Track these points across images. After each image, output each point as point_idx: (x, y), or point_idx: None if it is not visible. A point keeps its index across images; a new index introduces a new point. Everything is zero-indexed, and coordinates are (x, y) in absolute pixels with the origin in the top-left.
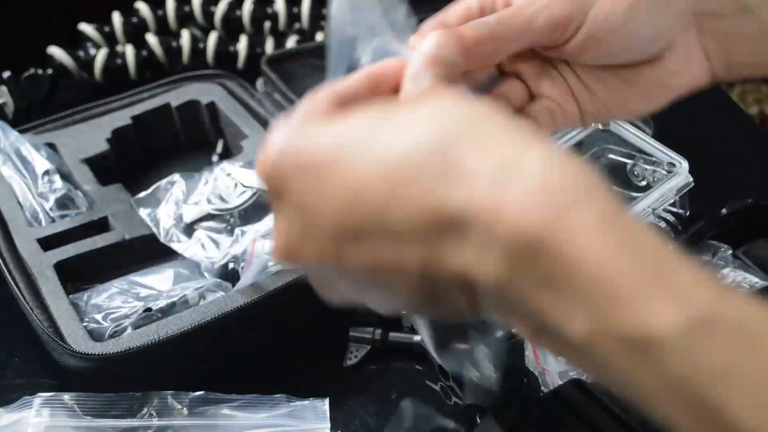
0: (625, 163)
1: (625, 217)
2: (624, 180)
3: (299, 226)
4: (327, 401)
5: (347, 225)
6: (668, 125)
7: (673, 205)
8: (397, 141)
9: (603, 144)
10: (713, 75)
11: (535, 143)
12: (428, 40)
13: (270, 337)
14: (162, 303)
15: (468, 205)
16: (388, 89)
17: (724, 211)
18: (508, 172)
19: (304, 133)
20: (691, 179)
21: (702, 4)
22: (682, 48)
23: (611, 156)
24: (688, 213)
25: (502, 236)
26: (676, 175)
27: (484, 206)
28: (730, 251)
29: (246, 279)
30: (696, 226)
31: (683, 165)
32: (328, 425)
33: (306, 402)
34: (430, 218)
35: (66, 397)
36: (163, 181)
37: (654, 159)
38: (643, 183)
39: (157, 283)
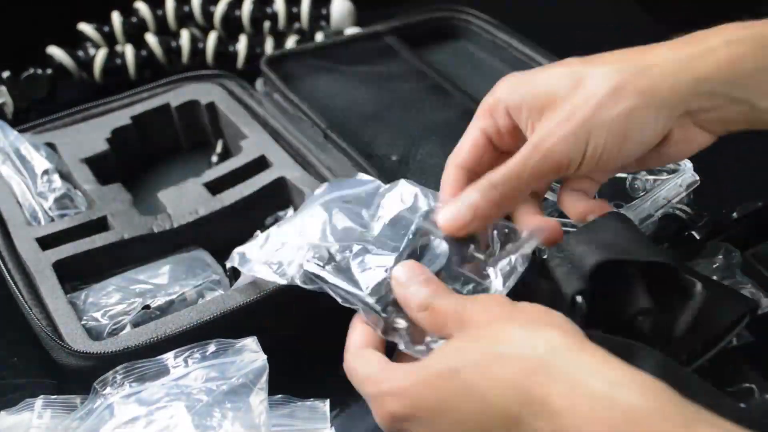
0: (624, 178)
1: (692, 429)
2: (624, 193)
3: None
4: (327, 402)
5: None
6: None
7: (681, 202)
8: (482, 393)
9: None
10: (716, 137)
11: (601, 366)
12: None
13: (269, 336)
14: (161, 301)
15: None
16: None
17: (734, 214)
18: (581, 402)
19: (404, 387)
20: (696, 177)
21: (692, 104)
22: (680, 134)
23: None
24: (704, 213)
25: None
26: (682, 173)
27: None
28: (739, 255)
29: (245, 277)
30: (705, 228)
31: (687, 164)
32: (329, 426)
33: (306, 402)
34: None
35: (68, 398)
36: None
37: (654, 168)
38: (644, 194)
39: (155, 279)
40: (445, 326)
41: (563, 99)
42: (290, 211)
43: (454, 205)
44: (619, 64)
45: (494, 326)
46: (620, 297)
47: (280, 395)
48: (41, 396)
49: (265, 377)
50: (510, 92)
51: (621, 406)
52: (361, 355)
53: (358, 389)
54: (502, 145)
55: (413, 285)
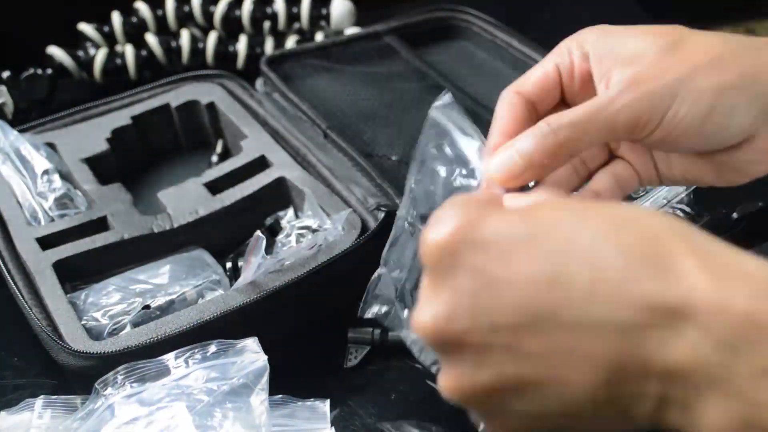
0: None
1: None
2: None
3: (472, 298)
4: (327, 402)
5: (536, 307)
6: None
7: (681, 202)
8: (602, 238)
9: None
10: None
11: (739, 251)
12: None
13: (269, 337)
14: (161, 300)
15: (689, 300)
16: None
17: (735, 215)
18: (727, 272)
19: (487, 215)
20: None
21: None
22: (763, 141)
23: None
24: (706, 214)
25: (728, 325)
26: None
27: (709, 299)
28: None
29: (245, 277)
30: (705, 229)
31: None
32: (329, 426)
33: (306, 403)
34: (640, 311)
35: (68, 398)
36: None
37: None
38: (644, 194)
39: (155, 279)
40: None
41: (656, 57)
42: (290, 211)
43: (505, 151)
44: (726, 38)
45: (606, 206)
46: None
47: (280, 395)
48: (41, 396)
49: (265, 378)
50: (597, 38)
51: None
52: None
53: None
54: (569, 91)
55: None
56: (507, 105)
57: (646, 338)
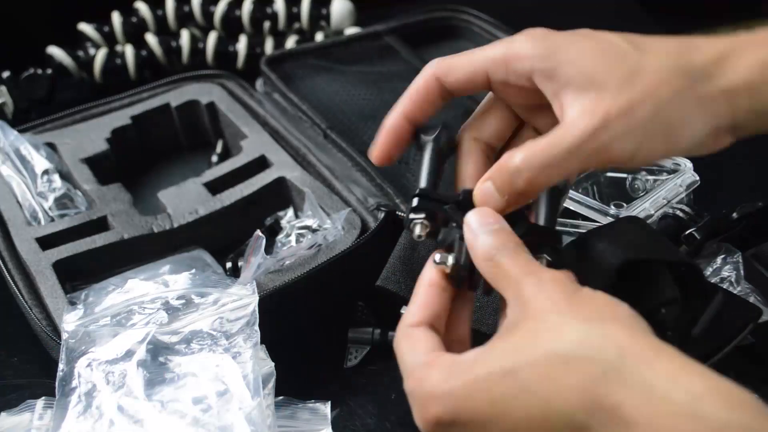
0: (624, 178)
1: None
2: (624, 194)
3: None
4: (329, 404)
5: None
6: None
7: (681, 202)
8: (543, 397)
9: None
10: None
11: (679, 373)
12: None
13: (268, 337)
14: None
15: None
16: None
17: (735, 215)
18: (660, 413)
19: (450, 388)
20: (696, 178)
21: (740, 120)
22: (711, 140)
23: (609, 174)
24: (705, 214)
25: None
26: (682, 173)
27: None
28: (739, 255)
29: (245, 277)
30: (705, 228)
31: (687, 165)
32: (330, 428)
33: (307, 404)
34: None
35: None
36: None
37: (654, 168)
38: (643, 194)
39: (154, 282)
40: (505, 291)
41: (617, 88)
42: (290, 211)
43: (486, 186)
44: (676, 60)
45: (555, 320)
46: (645, 290)
47: (281, 397)
48: (43, 397)
49: (272, 383)
50: (539, 56)
51: (707, 421)
52: (409, 336)
53: (404, 380)
54: (500, 92)
55: (482, 234)
56: (422, 85)
57: None
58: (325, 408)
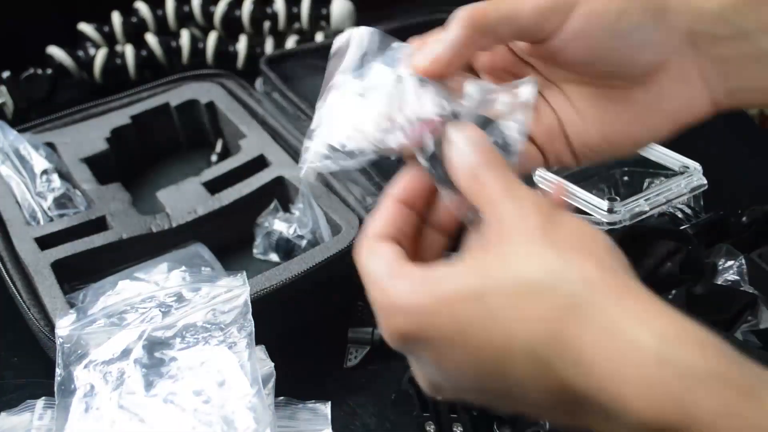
0: (642, 179)
1: (757, 398)
2: (617, 189)
3: (437, 377)
4: (329, 404)
5: (481, 389)
6: None
7: (681, 201)
8: (506, 325)
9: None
10: (715, 103)
11: (648, 314)
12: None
13: (268, 337)
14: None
15: (591, 391)
16: (421, 203)
17: (744, 219)
18: (623, 355)
19: (417, 302)
20: (704, 181)
21: (697, 24)
22: (678, 70)
23: (625, 174)
24: (702, 214)
25: (630, 423)
26: (689, 175)
27: (608, 394)
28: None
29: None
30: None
31: (697, 168)
32: (330, 428)
33: (308, 404)
34: (557, 397)
35: None
36: None
37: (670, 172)
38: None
39: (152, 277)
40: (483, 207)
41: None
42: (279, 215)
43: (426, 46)
44: None
45: (526, 244)
46: (647, 252)
47: (281, 397)
48: (43, 397)
49: (271, 383)
50: None
51: (673, 365)
52: (374, 249)
53: (367, 290)
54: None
55: (466, 148)
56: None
57: (572, 413)
58: (325, 408)
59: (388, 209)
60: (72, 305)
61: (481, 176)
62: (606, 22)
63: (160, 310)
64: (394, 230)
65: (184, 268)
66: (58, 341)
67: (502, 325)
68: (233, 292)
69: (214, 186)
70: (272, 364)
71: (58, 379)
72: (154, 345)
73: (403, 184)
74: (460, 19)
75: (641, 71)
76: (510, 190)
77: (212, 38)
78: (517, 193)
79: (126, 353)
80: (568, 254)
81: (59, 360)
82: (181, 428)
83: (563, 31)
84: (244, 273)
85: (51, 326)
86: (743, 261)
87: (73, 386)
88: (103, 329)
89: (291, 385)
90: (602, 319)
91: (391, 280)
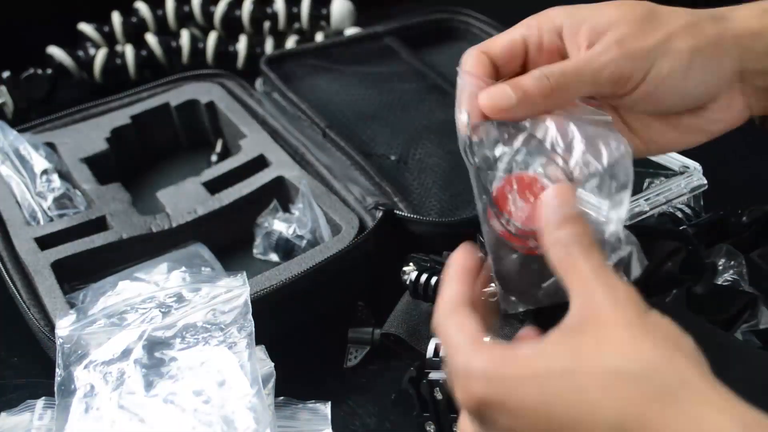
0: (642, 179)
1: None
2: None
3: None
4: (329, 404)
5: None
6: None
7: (685, 204)
8: (594, 402)
9: None
10: (751, 115)
11: (730, 404)
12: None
13: (268, 337)
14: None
15: None
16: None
17: (744, 219)
18: None
19: (503, 373)
20: (704, 181)
21: (747, 63)
22: (726, 99)
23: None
24: (703, 214)
25: None
26: (689, 175)
27: None
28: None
29: None
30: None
31: (697, 168)
32: (330, 428)
33: (308, 404)
34: None
35: None
36: None
37: (670, 172)
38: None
39: (152, 277)
40: (572, 285)
41: (635, 25)
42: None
43: (499, 86)
44: (691, 10)
45: (625, 336)
46: (648, 251)
47: (281, 397)
48: (43, 397)
49: (271, 383)
50: (569, 14)
51: None
52: (455, 314)
53: (445, 354)
54: (534, 64)
55: (561, 215)
56: (475, 60)
57: None
58: (325, 408)
59: (462, 276)
60: (72, 305)
61: (572, 250)
62: (673, 84)
63: (160, 311)
64: (470, 297)
65: (184, 268)
66: (58, 341)
67: (589, 400)
68: (233, 292)
69: (214, 186)
70: (272, 364)
71: (58, 379)
72: (154, 345)
73: (465, 255)
74: (539, 74)
75: (696, 105)
76: (603, 274)
77: (212, 38)
78: (611, 280)
79: (126, 353)
80: (664, 351)
81: (59, 360)
82: (181, 428)
83: (634, 95)
84: (244, 273)
85: (51, 326)
86: (743, 261)
87: (73, 386)
88: (103, 329)
89: (291, 385)
90: (690, 410)
91: (477, 351)
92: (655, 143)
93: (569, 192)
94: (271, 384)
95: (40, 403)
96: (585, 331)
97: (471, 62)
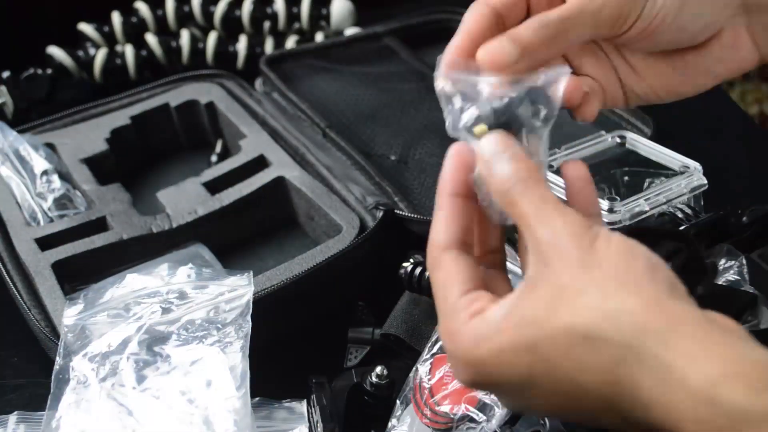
0: (642, 179)
1: None
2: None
3: (514, 407)
4: (304, 402)
5: (557, 414)
6: (667, 125)
7: (685, 203)
8: (570, 375)
9: (615, 157)
10: (762, 58)
11: (700, 353)
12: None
13: (269, 338)
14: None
15: (654, 424)
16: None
17: (745, 219)
18: (677, 397)
19: (479, 356)
20: (704, 181)
21: None
22: (730, 37)
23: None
24: (703, 214)
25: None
26: (689, 175)
27: (669, 428)
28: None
29: None
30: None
31: (697, 168)
32: (306, 425)
33: (284, 403)
34: (628, 422)
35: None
36: None
37: (670, 172)
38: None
39: (152, 277)
40: (523, 231)
41: None
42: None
43: (497, 39)
44: None
45: (571, 286)
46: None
47: (257, 398)
48: (15, 412)
49: (246, 380)
50: None
51: (724, 408)
52: (440, 265)
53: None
54: (536, 9)
55: (497, 162)
56: (476, 13)
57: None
58: (301, 406)
59: (447, 208)
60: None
61: (513, 196)
62: (669, 18)
63: (162, 306)
64: (457, 230)
65: (191, 265)
66: (63, 330)
67: (564, 373)
68: (237, 291)
69: (214, 186)
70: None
71: (56, 368)
72: (152, 340)
73: (450, 176)
74: (537, 24)
75: (696, 41)
76: (542, 214)
77: (212, 38)
78: (550, 218)
79: (123, 346)
80: (613, 294)
81: (60, 349)
82: (164, 425)
83: (631, 32)
84: (251, 273)
85: (51, 326)
86: (744, 261)
87: (68, 376)
88: (108, 321)
89: (291, 385)
90: (655, 363)
91: (456, 324)
92: (663, 87)
93: (500, 136)
94: (247, 380)
95: (12, 418)
96: (538, 288)
97: (471, 15)
